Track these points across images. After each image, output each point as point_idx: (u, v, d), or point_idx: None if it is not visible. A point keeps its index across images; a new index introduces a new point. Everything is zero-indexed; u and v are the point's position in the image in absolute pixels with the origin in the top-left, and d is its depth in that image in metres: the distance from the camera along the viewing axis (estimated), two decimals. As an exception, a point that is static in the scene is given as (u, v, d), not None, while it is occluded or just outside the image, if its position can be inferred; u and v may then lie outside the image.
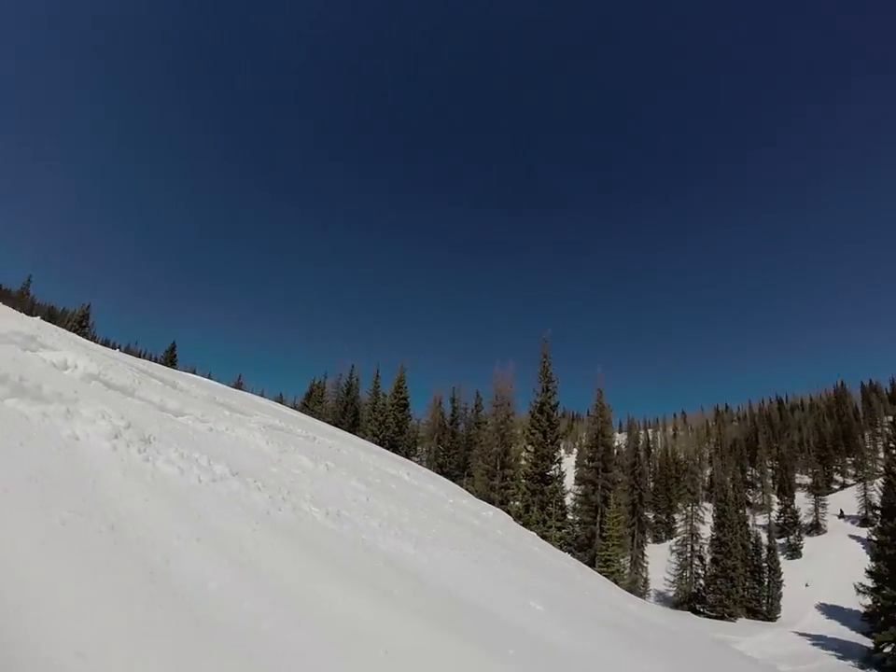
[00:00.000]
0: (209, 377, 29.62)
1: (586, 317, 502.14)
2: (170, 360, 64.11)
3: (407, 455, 45.28)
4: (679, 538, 68.43)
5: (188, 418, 7.63)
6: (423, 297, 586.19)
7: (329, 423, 34.95)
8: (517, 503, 36.47)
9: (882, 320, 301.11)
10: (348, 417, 54.79)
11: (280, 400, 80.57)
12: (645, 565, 64.51)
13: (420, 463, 50.06)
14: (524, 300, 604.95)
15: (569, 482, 48.52)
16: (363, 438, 36.31)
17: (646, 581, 62.83)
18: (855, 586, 41.58)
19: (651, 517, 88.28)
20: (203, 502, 4.64)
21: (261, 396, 41.04)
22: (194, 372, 37.69)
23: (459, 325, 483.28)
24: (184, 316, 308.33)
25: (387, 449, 38.54)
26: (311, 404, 59.44)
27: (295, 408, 51.93)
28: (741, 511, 72.31)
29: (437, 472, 42.50)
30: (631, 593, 52.79)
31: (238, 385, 73.10)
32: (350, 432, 36.63)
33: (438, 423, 58.54)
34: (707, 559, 61.12)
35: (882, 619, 35.40)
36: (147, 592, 2.97)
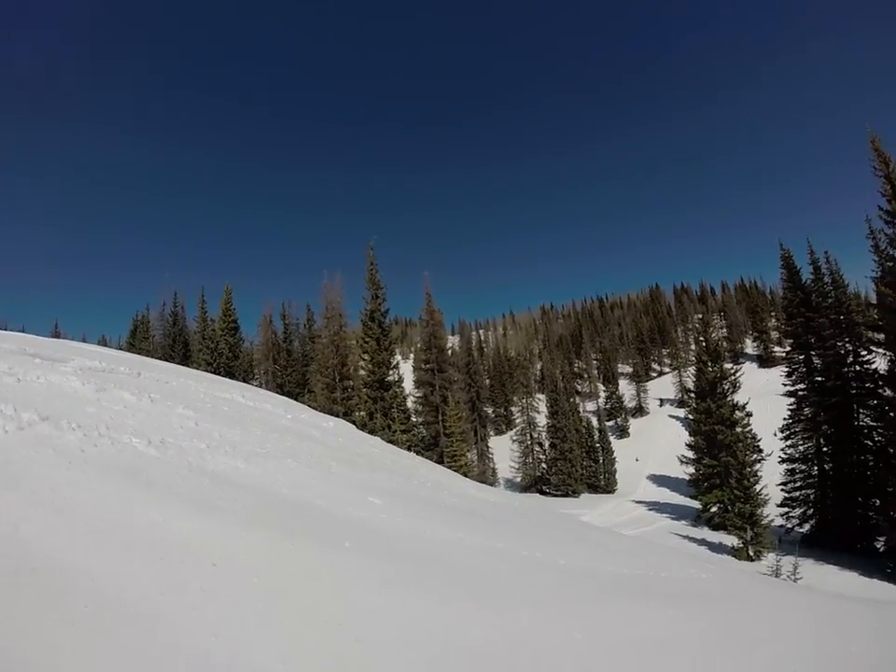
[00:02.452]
0: (23, 331, 27.03)
1: (413, 227, 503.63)
2: (-28, 323, 57.64)
3: (244, 380, 44.04)
4: (518, 428, 71.66)
5: (-7, 374, 7.05)
6: (243, 213, 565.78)
7: (158, 359, 33.47)
8: (361, 413, 36.48)
9: (692, 231, 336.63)
10: (178, 350, 51.72)
11: (103, 343, 75.85)
12: (491, 456, 67.49)
13: (259, 386, 48.94)
14: (350, 209, 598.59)
15: (410, 386, 49.49)
16: (197, 369, 34.95)
17: (494, 470, 65.73)
18: (678, 458, 45.61)
19: (490, 412, 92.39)
20: (9, 451, 4.41)
21: (83, 341, 38.18)
22: (6, 329, 34.37)
23: (283, 240, 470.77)
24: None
25: (223, 376, 37.46)
26: (136, 342, 54.80)
27: (121, 349, 48.91)
28: (572, 400, 76.56)
29: (277, 392, 41.85)
30: (481, 482, 54.89)
31: (56, 334, 67.07)
32: (183, 365, 35.17)
33: (271, 342, 56.71)
34: (546, 444, 64.28)
35: (705, 484, 39.38)
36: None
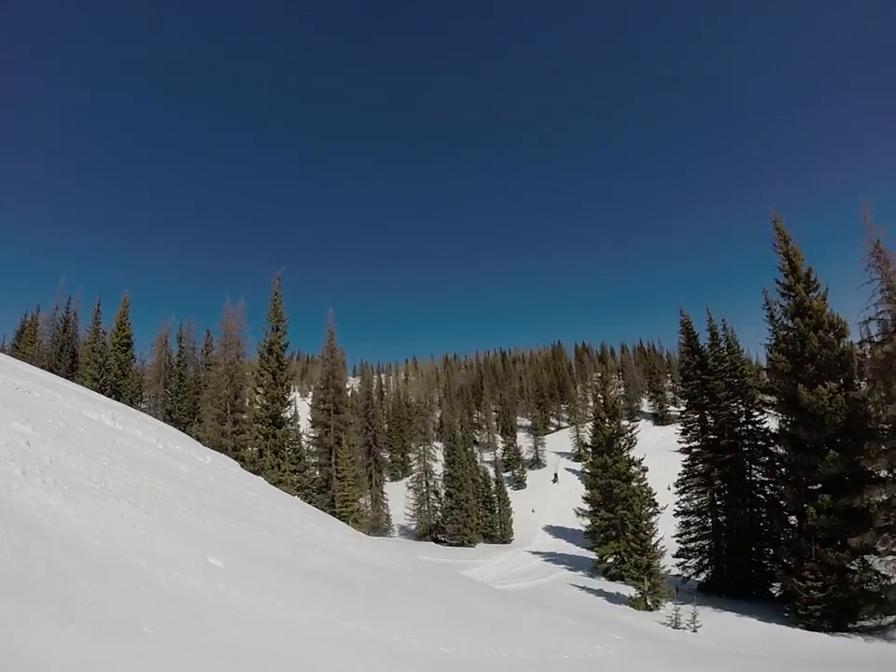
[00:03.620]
0: None
1: (323, 261, 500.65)
2: None
3: (132, 402, 41.65)
4: (414, 475, 71.32)
5: None
6: (148, 219, 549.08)
7: (42, 367, 31.04)
8: (251, 449, 34.79)
9: (594, 292, 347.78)
10: (65, 360, 48.25)
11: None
12: (385, 501, 65.92)
13: (147, 410, 46.25)
14: (260, 232, 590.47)
15: (306, 425, 48.29)
16: (82, 384, 32.54)
17: (388, 517, 64.54)
18: (575, 510, 46.04)
19: (386, 457, 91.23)
20: None
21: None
22: None
23: (189, 253, 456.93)
24: None
25: (110, 395, 35.09)
26: (22, 345, 50.08)
27: (3, 351, 45.55)
28: (469, 450, 76.69)
29: (165, 419, 39.69)
30: (374, 528, 53.69)
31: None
32: (69, 378, 32.91)
33: (164, 364, 53.29)
34: (442, 493, 63.75)
35: (601, 536, 40.01)
36: None
